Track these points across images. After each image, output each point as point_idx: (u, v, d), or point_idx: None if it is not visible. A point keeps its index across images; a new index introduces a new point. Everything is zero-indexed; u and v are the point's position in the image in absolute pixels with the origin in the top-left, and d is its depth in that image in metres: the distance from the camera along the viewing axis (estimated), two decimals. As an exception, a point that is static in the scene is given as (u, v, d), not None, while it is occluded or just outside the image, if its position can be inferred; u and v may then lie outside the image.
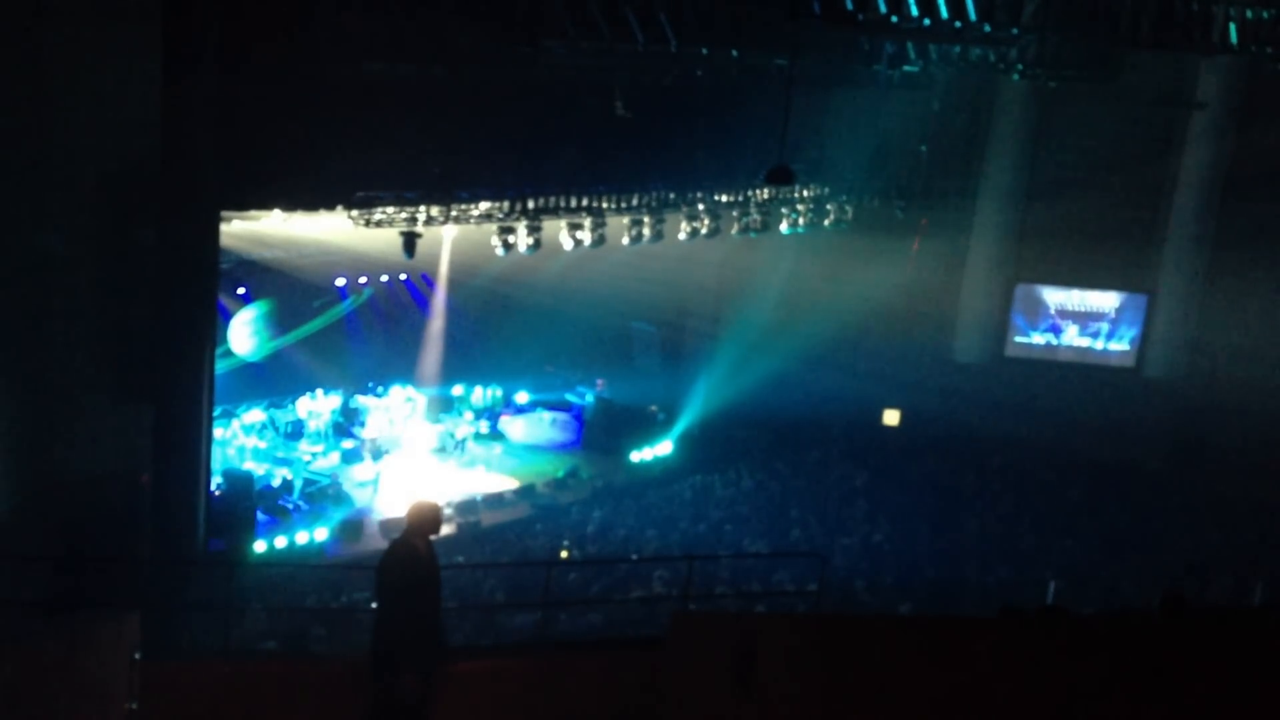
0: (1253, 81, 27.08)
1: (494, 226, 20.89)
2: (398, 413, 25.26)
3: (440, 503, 9.03)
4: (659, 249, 24.20)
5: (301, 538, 20.21)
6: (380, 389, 25.79)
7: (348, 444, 23.95)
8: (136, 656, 8.63)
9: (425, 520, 8.75)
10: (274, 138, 16.47)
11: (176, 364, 16.04)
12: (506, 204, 20.45)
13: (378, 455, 23.91)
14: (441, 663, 8.89)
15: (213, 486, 18.32)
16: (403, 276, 26.85)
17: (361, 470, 23.26)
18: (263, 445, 23.17)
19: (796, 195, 25.29)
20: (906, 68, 23.61)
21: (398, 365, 26.87)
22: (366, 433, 24.29)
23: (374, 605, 8.93)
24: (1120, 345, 30.03)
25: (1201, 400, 28.03)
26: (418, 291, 27.41)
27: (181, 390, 16.17)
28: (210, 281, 16.64)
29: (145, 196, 15.26)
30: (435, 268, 26.32)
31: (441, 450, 25.02)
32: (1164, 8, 20.86)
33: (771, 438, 27.10)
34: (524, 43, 18.43)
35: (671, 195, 23.05)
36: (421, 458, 24.72)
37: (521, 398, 27.50)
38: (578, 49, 18.51)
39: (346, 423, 24.74)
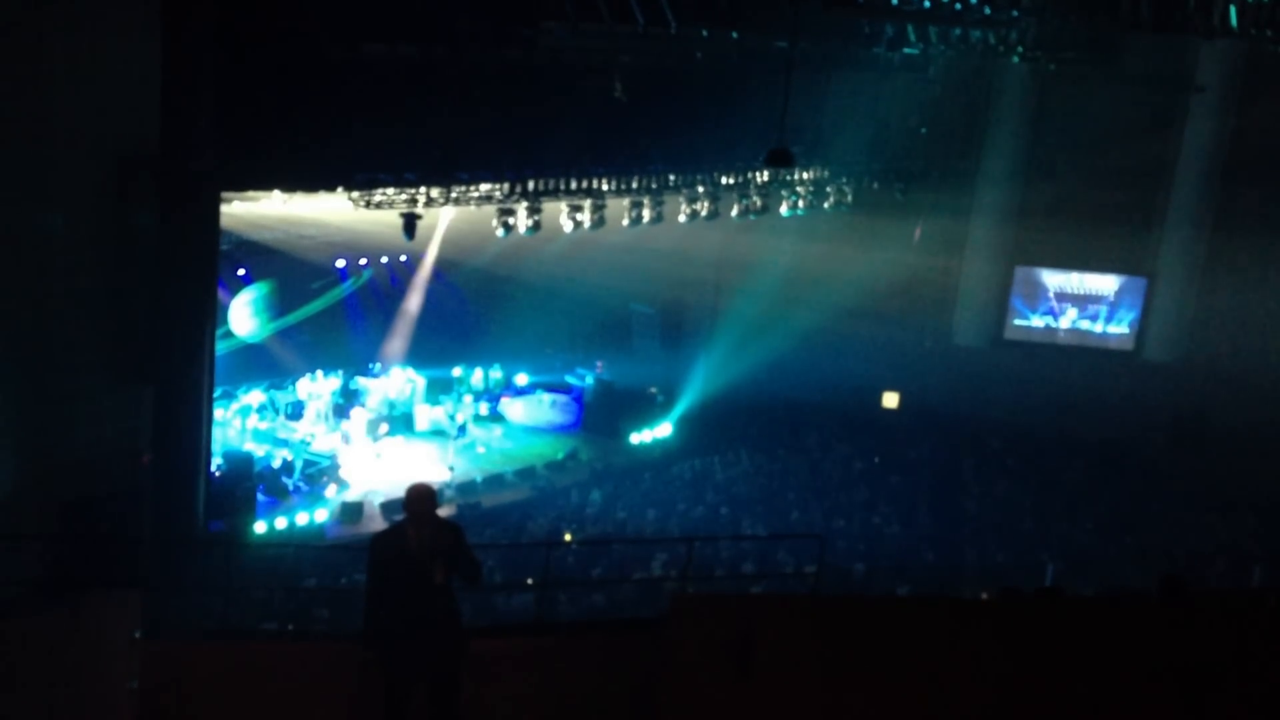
0: (1253, 64, 27.02)
1: (493, 208, 20.89)
2: (398, 394, 25.30)
3: (430, 483, 8.94)
4: (659, 231, 24.22)
5: (301, 518, 20.27)
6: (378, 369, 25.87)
7: (348, 425, 23.96)
8: (137, 635, 8.65)
9: (409, 502, 8.71)
10: (274, 119, 16.48)
11: (177, 345, 16.05)
12: (506, 185, 20.44)
13: (377, 436, 23.95)
14: (454, 648, 8.85)
15: (213, 467, 18.35)
16: (403, 258, 26.86)
17: (361, 451, 23.28)
18: (263, 426, 23.20)
19: (796, 177, 25.29)
20: (906, 50, 23.60)
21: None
22: (367, 414, 24.29)
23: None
24: (1119, 328, 30.04)
25: (1200, 383, 28.05)
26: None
27: (182, 371, 16.18)
28: (210, 262, 16.63)
29: (145, 177, 15.26)
30: (436, 250, 26.41)
31: (441, 432, 25.03)
32: (1164, -9, 20.85)
33: (771, 420, 27.15)
34: (524, 24, 18.41)
35: (671, 177, 23.04)
36: (421, 439, 24.77)
37: (521, 380, 27.53)
38: (578, 30, 18.49)
39: (346, 404, 24.74)
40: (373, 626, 8.65)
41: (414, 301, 27.33)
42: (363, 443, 23.64)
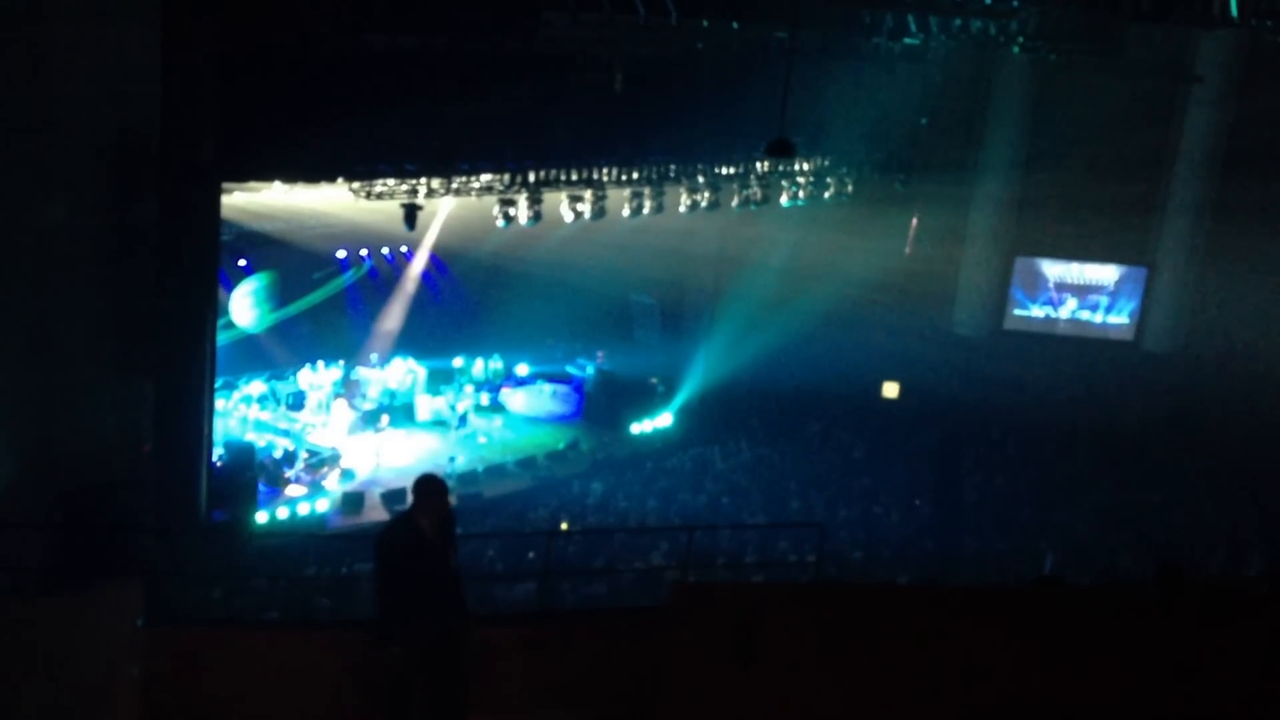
0: (1252, 54, 27.02)
1: (494, 199, 20.91)
2: (398, 384, 25.31)
3: (438, 475, 8.97)
4: (659, 221, 24.22)
5: (303, 509, 20.29)
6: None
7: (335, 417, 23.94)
8: (139, 624, 8.68)
9: (418, 495, 8.73)
10: (274, 109, 16.50)
11: (178, 336, 16.10)
12: (507, 176, 20.45)
13: (378, 426, 23.95)
14: (455, 632, 8.88)
15: (214, 457, 18.38)
16: (404, 248, 26.88)
17: (362, 442, 23.29)
18: (264, 416, 23.22)
19: (796, 168, 25.27)
20: (907, 40, 23.53)
21: (399, 337, 26.92)
22: (365, 404, 24.30)
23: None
24: (1119, 318, 30.07)
25: (1200, 373, 28.06)
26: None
27: (183, 362, 16.24)
28: (211, 253, 16.67)
29: (146, 168, 15.29)
30: (439, 240, 26.41)
31: (442, 422, 25.05)
32: (1164, -20, 20.83)
33: (771, 409, 27.15)
34: (525, 14, 18.41)
35: (672, 167, 23.04)
36: (422, 430, 24.78)
37: (522, 370, 27.51)
38: (578, 21, 18.48)
39: (347, 394, 24.74)
40: (395, 620, 8.63)
41: (414, 291, 27.33)
42: (344, 436, 23.34)
